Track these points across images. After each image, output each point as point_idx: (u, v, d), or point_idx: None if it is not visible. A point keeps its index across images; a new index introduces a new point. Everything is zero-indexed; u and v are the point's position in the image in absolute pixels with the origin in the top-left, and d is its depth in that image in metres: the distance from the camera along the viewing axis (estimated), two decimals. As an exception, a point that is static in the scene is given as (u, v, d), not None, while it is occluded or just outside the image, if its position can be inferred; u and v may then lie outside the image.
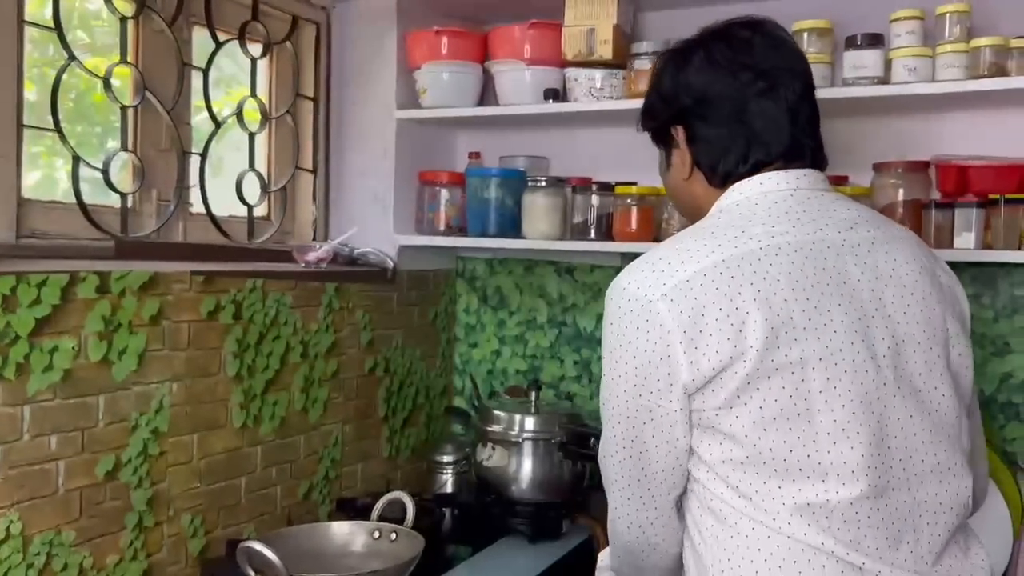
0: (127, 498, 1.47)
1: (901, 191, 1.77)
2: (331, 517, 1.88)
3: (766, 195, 1.12)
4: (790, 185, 1.12)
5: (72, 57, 1.58)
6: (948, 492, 1.04)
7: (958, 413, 1.07)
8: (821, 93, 1.70)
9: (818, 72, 1.72)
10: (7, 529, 1.28)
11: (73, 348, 1.36)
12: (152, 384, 1.51)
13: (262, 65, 2.02)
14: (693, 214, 1.23)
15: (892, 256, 1.09)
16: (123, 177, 1.72)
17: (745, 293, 1.00)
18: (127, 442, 1.46)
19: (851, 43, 1.72)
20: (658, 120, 1.22)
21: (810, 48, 1.75)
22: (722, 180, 1.15)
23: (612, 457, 1.11)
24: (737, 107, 1.13)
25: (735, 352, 0.99)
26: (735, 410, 1.00)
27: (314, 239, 2.15)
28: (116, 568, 1.45)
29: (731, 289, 1.00)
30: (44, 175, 1.65)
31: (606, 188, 1.96)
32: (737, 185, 1.14)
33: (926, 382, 1.05)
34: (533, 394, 1.91)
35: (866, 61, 1.70)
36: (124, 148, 1.69)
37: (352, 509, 1.78)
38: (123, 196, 1.69)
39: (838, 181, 1.86)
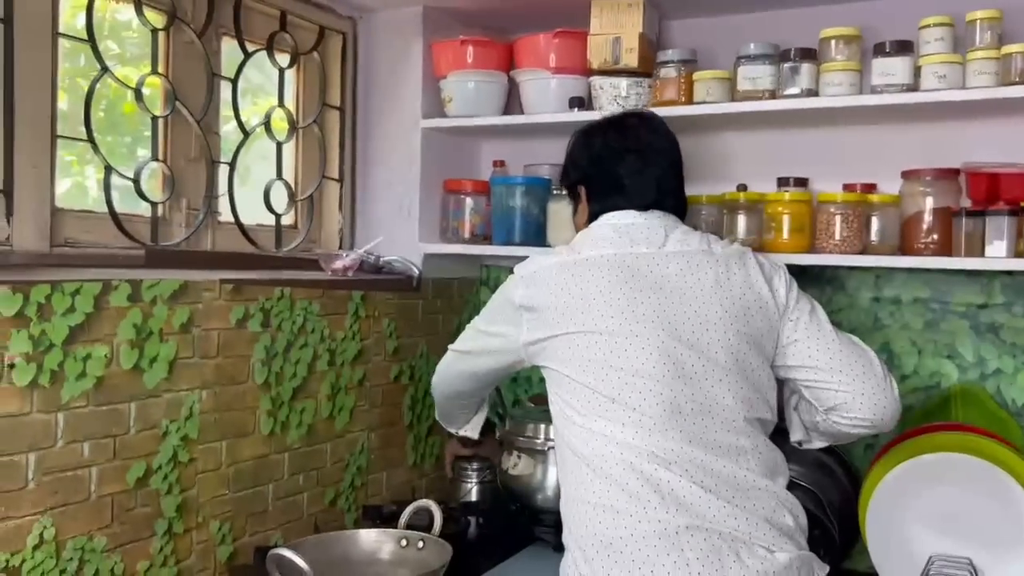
0: (157, 504, 1.48)
1: (930, 199, 1.75)
2: (357, 524, 1.89)
3: (606, 226, 1.52)
4: (629, 220, 1.51)
5: (104, 68, 1.60)
6: (728, 411, 1.37)
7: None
8: (850, 101, 1.73)
9: (846, 80, 1.73)
10: (40, 535, 1.30)
11: (106, 356, 1.38)
12: (182, 391, 1.52)
13: (290, 75, 2.04)
14: None
15: (683, 264, 1.45)
16: (153, 186, 1.74)
17: (568, 287, 1.44)
18: (158, 449, 1.48)
19: (879, 50, 1.70)
20: (570, 180, 1.65)
21: (838, 56, 1.74)
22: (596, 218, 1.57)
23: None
24: (618, 176, 1.54)
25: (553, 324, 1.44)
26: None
27: (340, 248, 2.17)
28: (147, 574, 1.46)
29: (559, 282, 1.45)
30: (75, 184, 1.67)
31: (632, 196, 1.95)
32: (596, 220, 1.55)
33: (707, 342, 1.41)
34: (559, 402, 1.90)
35: (895, 68, 1.69)
36: (155, 158, 1.71)
37: (378, 516, 1.79)
38: (153, 205, 1.71)
39: (867, 189, 1.85)
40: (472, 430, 1.85)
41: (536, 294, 1.46)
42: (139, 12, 1.66)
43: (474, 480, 2.02)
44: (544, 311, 1.44)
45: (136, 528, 1.45)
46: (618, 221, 1.51)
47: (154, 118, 1.70)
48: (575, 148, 1.64)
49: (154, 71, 1.70)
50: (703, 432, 1.32)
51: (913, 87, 1.68)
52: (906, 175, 1.79)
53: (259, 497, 1.69)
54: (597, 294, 1.40)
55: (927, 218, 1.75)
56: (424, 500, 1.45)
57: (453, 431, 1.88)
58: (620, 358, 1.35)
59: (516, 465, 1.83)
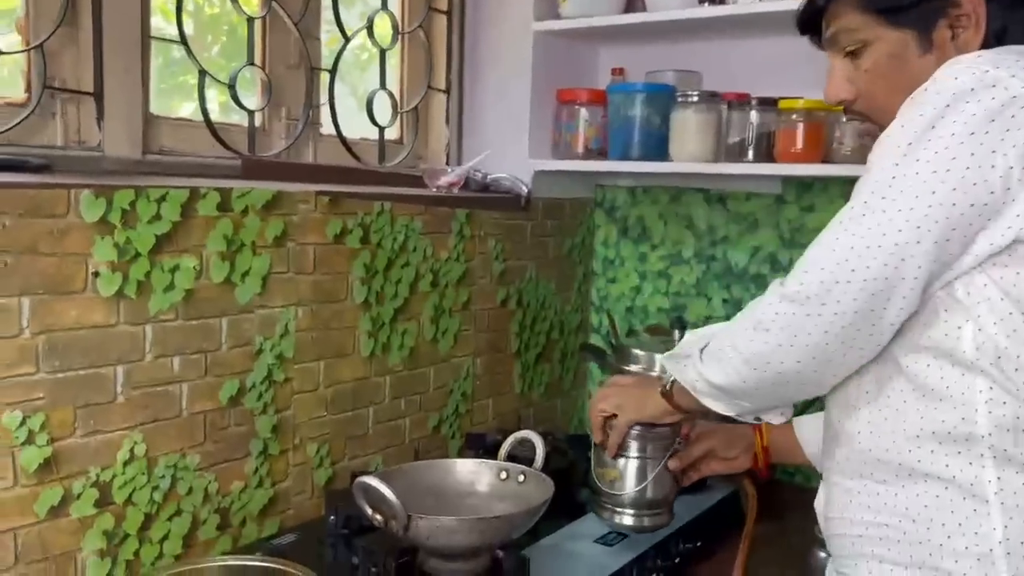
0: (252, 424, 1.43)
1: None
2: (460, 453, 1.81)
3: None
4: None
5: (196, -35, 1.51)
6: None
7: None
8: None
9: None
10: (131, 450, 1.26)
11: (195, 268, 1.31)
12: (277, 308, 1.45)
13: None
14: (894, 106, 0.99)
15: None
16: (251, 94, 1.65)
17: None
18: (251, 367, 1.42)
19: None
20: None
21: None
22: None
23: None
24: None
25: None
26: None
27: (447, 163, 2.04)
28: (241, 494, 1.42)
29: None
30: (176, 89, 1.60)
31: (768, 104, 1.74)
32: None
33: None
34: (676, 333, 1.74)
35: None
36: (251, 63, 1.61)
37: (481, 446, 1.69)
38: (250, 114, 1.62)
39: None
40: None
41: None
42: (232, -96, 1.55)
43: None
44: None
45: (230, 447, 1.40)
46: None
47: (250, 20, 1.60)
48: None
49: (248, -32, 1.59)
50: None
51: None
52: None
53: (359, 420, 1.62)
54: None
55: None
56: (527, 431, 1.33)
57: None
58: None
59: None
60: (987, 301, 0.89)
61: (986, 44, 0.96)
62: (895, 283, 0.89)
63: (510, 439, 1.35)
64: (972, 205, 0.86)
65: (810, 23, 1.08)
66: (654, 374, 1.63)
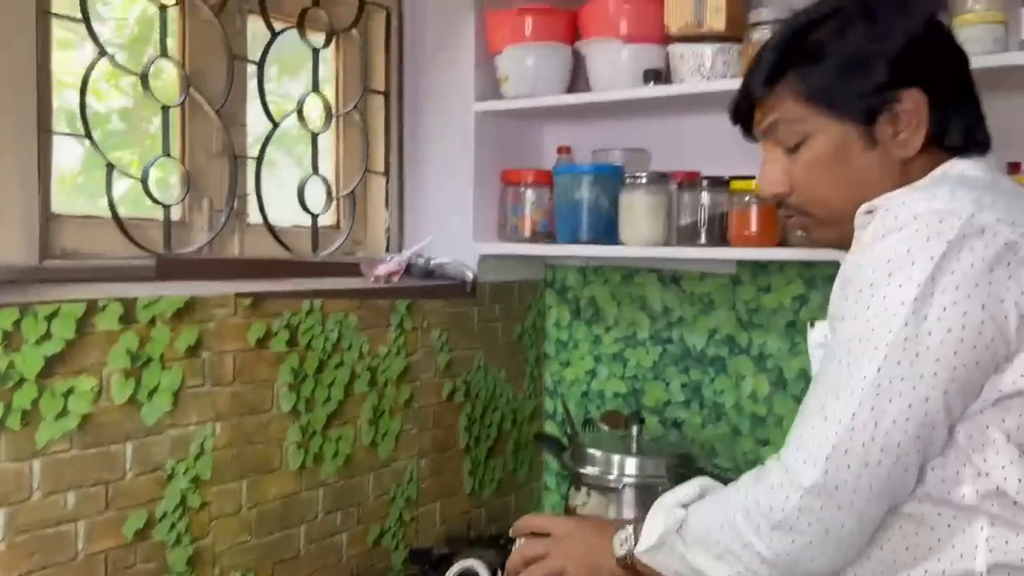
0: (163, 559, 1.27)
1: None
2: (405, 566, 1.66)
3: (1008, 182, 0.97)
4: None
5: (103, 52, 1.39)
6: None
7: None
8: (992, 60, 1.40)
9: (988, 34, 1.40)
10: (16, 605, 1.10)
11: (93, 389, 1.17)
12: (191, 426, 1.31)
13: (326, 57, 1.82)
14: (848, 206, 0.94)
15: None
16: (169, 186, 1.54)
17: None
18: (162, 494, 1.27)
19: (1032, -5, 1.37)
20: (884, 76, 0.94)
21: (975, 6, 1.41)
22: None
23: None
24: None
25: None
26: None
27: (388, 250, 1.93)
28: (151, 640, 1.26)
29: None
30: (81, 187, 1.48)
31: (719, 184, 1.66)
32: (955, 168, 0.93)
33: None
34: (635, 429, 1.63)
35: (1054, 17, 1.35)
36: (166, 153, 1.50)
37: (427, 561, 1.55)
38: (166, 208, 1.50)
39: (1013, 169, 1.51)
40: None
41: None
42: (143, -14, 1.45)
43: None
44: None
45: (137, 588, 1.24)
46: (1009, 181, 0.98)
47: (165, 108, 1.49)
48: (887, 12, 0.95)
49: (163, 54, 1.48)
50: None
51: (1079, 40, 1.35)
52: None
53: (288, 542, 1.47)
54: None
55: (1092, 204, 1.41)
56: (471, 560, 1.20)
57: None
58: None
59: (586, 504, 1.56)
60: (991, 444, 0.83)
61: (926, 145, 0.92)
62: (927, 451, 0.82)
63: (452, 570, 1.22)
64: (992, 358, 0.81)
65: (745, 112, 1.02)
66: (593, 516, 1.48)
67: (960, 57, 0.97)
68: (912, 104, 0.91)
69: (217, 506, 1.35)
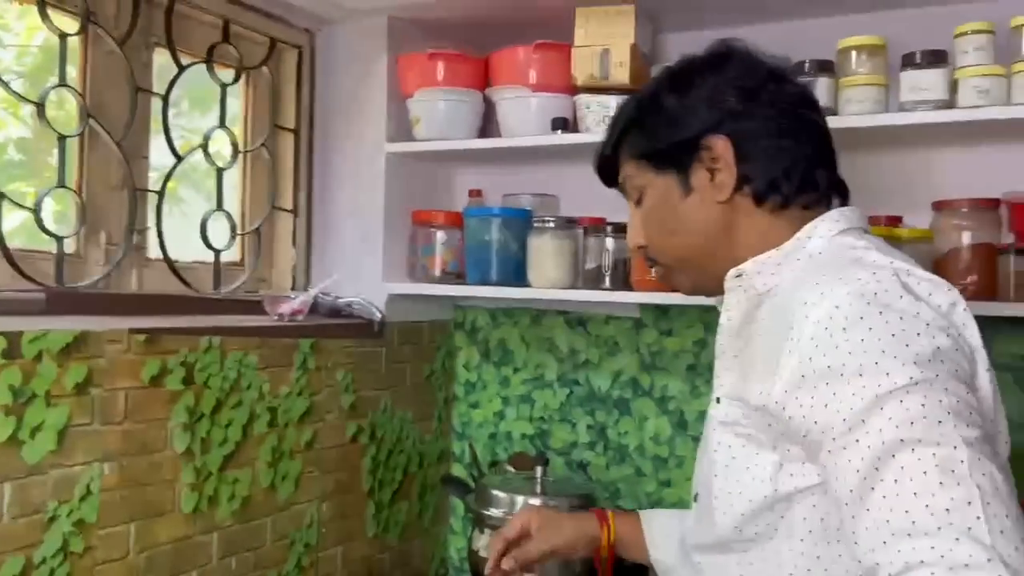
0: (40, 607, 1.21)
1: (967, 234, 1.52)
2: (302, 613, 1.62)
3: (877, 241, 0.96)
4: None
5: (-2, 79, 1.36)
6: None
7: None
8: (875, 120, 1.48)
9: (870, 96, 1.49)
10: None
11: (-31, 427, 1.12)
12: (76, 466, 1.25)
13: (236, 93, 1.80)
14: (710, 261, 1.01)
15: None
16: (65, 219, 1.49)
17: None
18: (41, 538, 1.21)
19: (909, 62, 1.47)
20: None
21: (860, 69, 1.51)
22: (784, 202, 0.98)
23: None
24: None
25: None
26: None
27: (293, 288, 1.91)
28: None
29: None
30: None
31: (623, 230, 1.70)
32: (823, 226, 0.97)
33: None
34: (539, 471, 1.64)
35: (927, 82, 1.45)
36: (61, 184, 1.45)
37: (325, 607, 1.51)
38: (59, 240, 1.45)
39: (892, 222, 1.60)
40: None
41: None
42: (43, 15, 1.41)
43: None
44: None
45: (10, 639, 1.17)
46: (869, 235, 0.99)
47: (61, 138, 1.45)
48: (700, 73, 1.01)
49: (62, 84, 1.45)
50: None
51: (949, 103, 1.45)
52: (938, 206, 1.55)
53: (179, 588, 1.42)
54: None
55: (965, 256, 1.51)
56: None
57: None
58: None
59: (488, 546, 1.55)
60: None
61: (738, 185, 0.97)
62: None
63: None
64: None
65: (607, 173, 1.10)
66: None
67: (789, 108, 0.99)
68: (718, 150, 0.96)
69: (103, 551, 1.29)
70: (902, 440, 0.74)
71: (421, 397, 2.01)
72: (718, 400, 0.99)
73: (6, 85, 1.37)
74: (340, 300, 1.84)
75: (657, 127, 1.00)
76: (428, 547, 2.03)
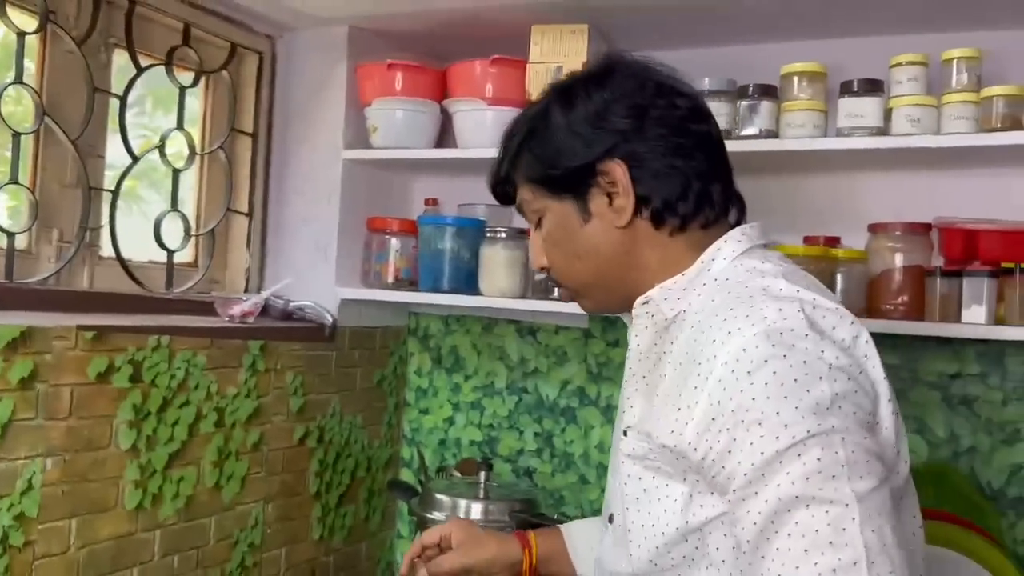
0: (-25, 601, 1.21)
1: (899, 256, 1.59)
2: (244, 613, 1.63)
3: (775, 257, 0.97)
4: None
5: (-48, 74, 1.37)
6: None
7: None
8: (813, 144, 1.55)
9: (809, 121, 1.55)
10: None
11: (-91, 418, 1.12)
12: (18, 460, 1.26)
13: (195, 96, 1.82)
14: (615, 285, 1.00)
15: None
16: (16, 214, 1.50)
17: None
18: (-20, 532, 1.21)
19: (847, 89, 1.53)
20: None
21: (800, 94, 1.57)
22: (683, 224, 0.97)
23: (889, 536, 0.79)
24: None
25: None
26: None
27: (247, 290, 1.93)
28: None
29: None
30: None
31: (572, 243, 1.75)
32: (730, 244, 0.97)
33: None
34: (483, 475, 1.67)
35: (863, 109, 1.51)
36: (14, 180, 1.46)
37: (265, 606, 1.53)
38: (10, 236, 1.46)
39: (830, 243, 1.67)
40: None
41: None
42: (1, 12, 1.42)
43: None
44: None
45: (-56, 631, 1.18)
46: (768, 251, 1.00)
47: (15, 135, 1.46)
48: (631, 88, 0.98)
49: (18, 81, 1.46)
50: None
51: (883, 131, 1.51)
52: (873, 229, 1.62)
53: (119, 584, 1.43)
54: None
55: (896, 277, 1.58)
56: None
57: None
58: None
59: (430, 548, 1.58)
60: None
61: (636, 209, 0.95)
62: None
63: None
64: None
65: (503, 194, 1.07)
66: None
67: (679, 124, 0.97)
68: (615, 175, 0.94)
69: (43, 545, 1.30)
70: (797, 496, 0.77)
71: (371, 402, 2.03)
72: (625, 433, 0.96)
73: (-40, 80, 1.38)
74: (292, 304, 1.86)
75: (550, 151, 0.97)
76: (374, 551, 2.05)
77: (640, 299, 0.97)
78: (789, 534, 0.77)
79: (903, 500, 0.90)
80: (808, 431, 0.78)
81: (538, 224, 1.03)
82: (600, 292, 1.01)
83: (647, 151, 0.95)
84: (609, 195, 0.96)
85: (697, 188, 0.96)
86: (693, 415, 0.84)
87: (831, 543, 0.76)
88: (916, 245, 1.59)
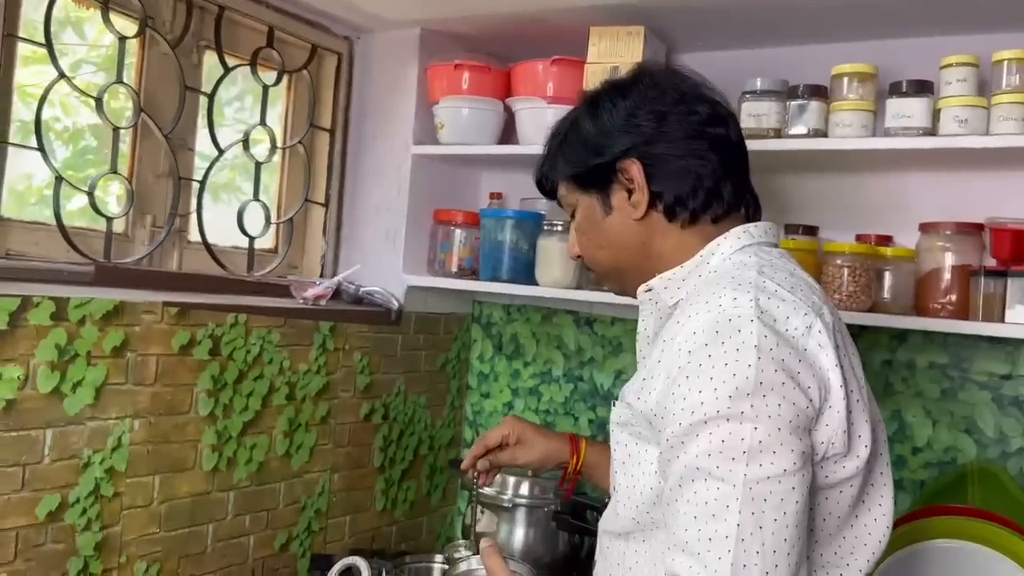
0: (72, 541, 1.37)
1: (949, 255, 1.59)
2: (309, 572, 1.76)
3: (777, 255, 1.06)
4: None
5: (62, 75, 1.53)
6: None
7: None
8: (860, 144, 1.58)
9: (858, 121, 1.58)
10: (-74, 569, 1.20)
11: (19, 377, 1.28)
12: (110, 420, 1.42)
13: (278, 94, 1.96)
14: (634, 272, 1.11)
15: None
16: (115, 201, 1.66)
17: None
18: (76, 481, 1.37)
19: (895, 90, 1.55)
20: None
21: (850, 95, 1.59)
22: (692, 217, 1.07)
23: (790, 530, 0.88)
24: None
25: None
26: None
27: (322, 275, 2.06)
28: (53, 616, 1.35)
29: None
30: (37, 193, 1.60)
31: (624, 236, 1.82)
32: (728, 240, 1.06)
33: None
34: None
35: (911, 109, 1.53)
36: (113, 170, 1.63)
37: (327, 567, 1.65)
38: (108, 220, 1.62)
39: (881, 241, 1.69)
40: None
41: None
42: (105, 18, 1.59)
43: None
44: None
45: (44, 567, 1.34)
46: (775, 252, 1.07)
47: (116, 129, 1.62)
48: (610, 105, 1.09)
49: (119, 80, 1.62)
50: None
51: (931, 131, 1.53)
52: (924, 228, 1.63)
53: (196, 537, 1.58)
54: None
55: (945, 276, 1.59)
56: (354, 558, 1.32)
57: None
58: None
59: (479, 520, 1.68)
60: None
61: (651, 203, 1.05)
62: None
63: (336, 567, 1.33)
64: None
65: (549, 191, 1.20)
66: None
67: (696, 128, 1.05)
68: (632, 173, 1.05)
69: (129, 497, 1.45)
70: (698, 468, 0.87)
71: (435, 384, 2.14)
72: (614, 403, 1.09)
73: (70, 81, 1.55)
74: (362, 288, 1.98)
75: (578, 152, 1.10)
76: (435, 525, 2.17)
77: (643, 287, 1.08)
78: (688, 500, 0.88)
79: (870, 489, 0.97)
80: (718, 411, 0.86)
81: (572, 216, 1.16)
82: (621, 277, 1.13)
83: (663, 151, 1.05)
84: (628, 191, 1.07)
85: (708, 185, 1.05)
86: (655, 386, 0.94)
87: (713, 515, 0.86)
88: (966, 245, 1.59)
